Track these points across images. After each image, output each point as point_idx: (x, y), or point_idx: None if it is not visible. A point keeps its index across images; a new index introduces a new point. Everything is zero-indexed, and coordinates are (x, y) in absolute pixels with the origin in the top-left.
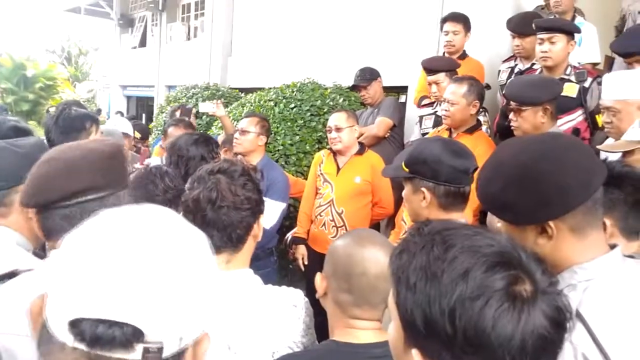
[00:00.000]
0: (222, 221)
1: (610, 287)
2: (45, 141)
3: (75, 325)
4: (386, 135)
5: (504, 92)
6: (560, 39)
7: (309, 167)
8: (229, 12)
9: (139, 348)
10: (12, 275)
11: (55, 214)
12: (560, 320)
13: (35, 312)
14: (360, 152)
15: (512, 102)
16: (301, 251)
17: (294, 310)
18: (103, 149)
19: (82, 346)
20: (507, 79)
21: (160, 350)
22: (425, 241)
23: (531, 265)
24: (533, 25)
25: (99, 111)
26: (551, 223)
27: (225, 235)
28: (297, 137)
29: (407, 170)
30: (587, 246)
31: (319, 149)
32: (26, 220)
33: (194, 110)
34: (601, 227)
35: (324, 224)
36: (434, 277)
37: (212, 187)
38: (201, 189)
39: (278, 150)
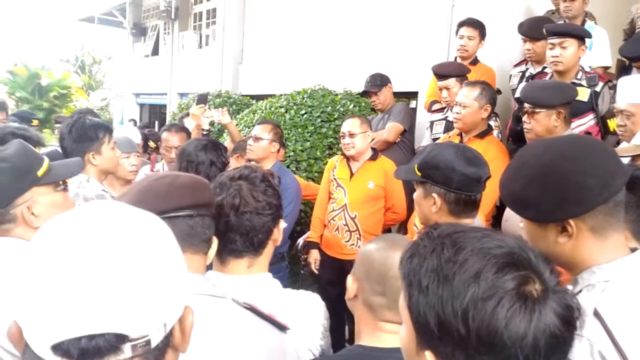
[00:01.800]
0: (245, 226)
1: (629, 288)
2: (25, 143)
3: (58, 348)
4: (397, 141)
5: (518, 95)
6: (571, 43)
7: (319, 173)
8: (240, 20)
9: (127, 347)
10: None
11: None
12: (570, 318)
13: (15, 337)
14: (373, 158)
15: (526, 105)
16: (314, 256)
17: (313, 313)
18: (205, 181)
19: None
20: (519, 83)
21: (148, 342)
22: (436, 244)
23: (540, 265)
24: (544, 30)
25: (134, 122)
26: (572, 222)
27: (248, 240)
28: (308, 144)
29: (419, 174)
30: (607, 247)
31: (330, 155)
32: (34, 232)
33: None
34: (622, 230)
35: (337, 229)
36: (445, 280)
37: (235, 194)
38: (224, 195)
39: (289, 156)
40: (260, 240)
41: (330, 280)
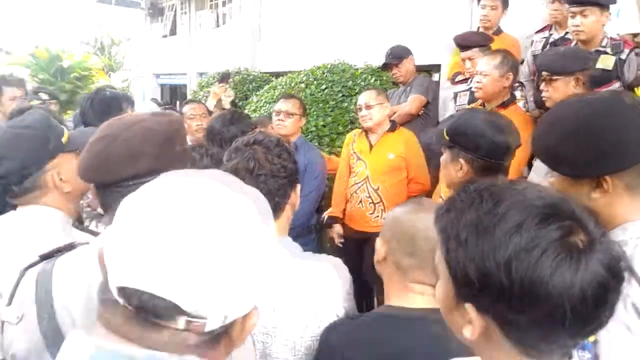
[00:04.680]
0: (261, 189)
1: None
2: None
3: (122, 291)
4: (419, 113)
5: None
6: (592, 11)
7: (342, 147)
8: None
9: (181, 320)
10: (70, 247)
11: (115, 192)
12: (617, 269)
13: (101, 260)
14: (392, 129)
15: (543, 72)
16: (337, 230)
17: (335, 275)
18: (162, 129)
19: (130, 308)
20: (543, 49)
21: (203, 325)
22: (473, 198)
23: (584, 216)
24: None
25: (156, 101)
26: (607, 178)
27: None
28: (329, 119)
29: (447, 138)
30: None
31: (352, 130)
32: (62, 196)
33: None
34: None
35: (361, 201)
36: (486, 232)
37: (250, 157)
38: (239, 159)
39: (311, 131)
40: (277, 204)
41: (355, 253)
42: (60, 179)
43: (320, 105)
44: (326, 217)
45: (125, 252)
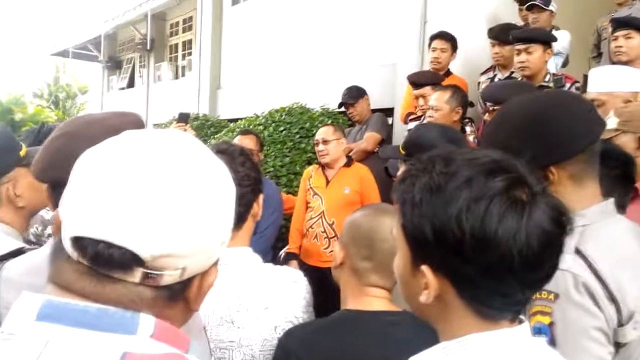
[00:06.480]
0: None
1: (604, 231)
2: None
3: (77, 242)
4: (375, 150)
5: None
6: (536, 48)
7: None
8: (216, 47)
9: (138, 272)
10: (19, 252)
11: None
12: (560, 219)
13: (57, 222)
14: (347, 165)
15: (487, 104)
16: (293, 267)
17: (295, 286)
18: (126, 128)
19: (84, 261)
20: None
21: (160, 277)
22: (426, 164)
23: (526, 172)
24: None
25: None
26: (553, 169)
27: None
28: (287, 159)
29: (403, 152)
30: (584, 195)
31: None
32: (14, 211)
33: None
34: (597, 179)
35: (316, 236)
36: (438, 189)
37: None
38: None
39: (269, 172)
40: (240, 213)
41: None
42: (15, 193)
43: (278, 146)
44: (283, 254)
45: (82, 201)
